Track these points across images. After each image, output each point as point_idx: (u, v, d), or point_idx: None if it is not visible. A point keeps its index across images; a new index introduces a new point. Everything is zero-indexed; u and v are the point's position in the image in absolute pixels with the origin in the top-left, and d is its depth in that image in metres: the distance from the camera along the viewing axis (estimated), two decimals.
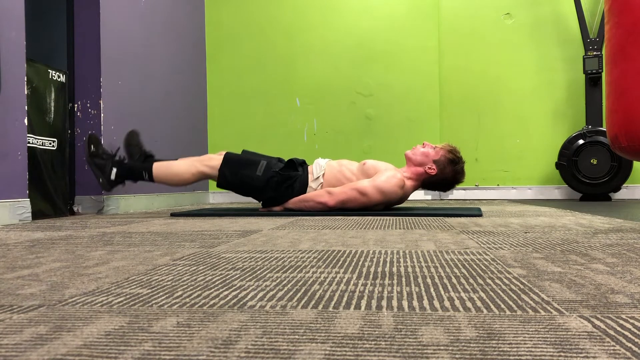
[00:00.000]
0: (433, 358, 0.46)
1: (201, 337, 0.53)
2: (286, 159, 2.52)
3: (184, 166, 2.43)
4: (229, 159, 2.42)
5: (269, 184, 2.38)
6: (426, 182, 2.41)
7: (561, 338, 0.51)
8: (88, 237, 1.53)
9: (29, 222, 2.17)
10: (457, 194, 4.06)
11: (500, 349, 0.48)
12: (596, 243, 1.22)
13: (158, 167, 2.41)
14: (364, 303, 0.67)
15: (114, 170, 2.38)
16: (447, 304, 0.66)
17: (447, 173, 2.37)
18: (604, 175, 3.52)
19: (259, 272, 0.90)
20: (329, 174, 2.42)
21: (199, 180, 2.48)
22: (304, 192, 2.39)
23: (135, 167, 2.42)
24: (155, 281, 0.83)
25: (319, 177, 2.41)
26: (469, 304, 0.65)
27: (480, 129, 4.04)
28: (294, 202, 2.38)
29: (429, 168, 2.36)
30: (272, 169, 2.40)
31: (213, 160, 2.44)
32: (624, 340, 0.50)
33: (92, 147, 2.41)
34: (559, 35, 3.95)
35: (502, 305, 0.65)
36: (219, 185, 2.45)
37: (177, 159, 2.50)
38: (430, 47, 4.05)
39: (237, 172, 2.40)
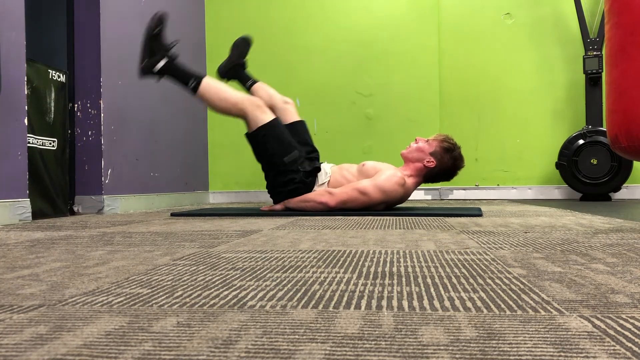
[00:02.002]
0: (433, 358, 0.46)
1: (201, 337, 0.53)
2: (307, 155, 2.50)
3: (235, 97, 2.36)
4: (273, 125, 2.36)
5: (287, 174, 2.36)
6: (428, 176, 2.40)
7: (561, 338, 0.51)
8: (88, 237, 1.53)
9: (29, 222, 2.17)
10: (457, 194, 4.06)
11: (500, 349, 0.48)
12: (596, 243, 1.22)
13: (209, 83, 2.33)
14: (364, 303, 0.67)
15: (163, 61, 2.30)
16: (447, 303, 0.66)
17: (446, 162, 2.37)
18: (604, 175, 3.51)
19: (259, 272, 0.90)
20: (332, 178, 2.43)
21: (233, 116, 2.41)
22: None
23: (187, 71, 2.35)
24: (155, 281, 0.83)
25: (324, 183, 2.41)
26: (469, 304, 0.65)
27: (480, 129, 4.04)
28: (295, 201, 2.38)
29: (428, 162, 2.36)
30: (298, 164, 2.37)
31: (262, 113, 2.35)
32: (624, 340, 0.50)
33: (157, 28, 2.30)
34: (559, 35, 3.95)
35: (502, 305, 0.65)
36: (247, 134, 2.41)
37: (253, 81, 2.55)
38: (430, 47, 4.05)
39: (270, 142, 2.35)
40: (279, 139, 2.37)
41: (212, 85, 2.34)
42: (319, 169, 2.44)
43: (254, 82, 2.71)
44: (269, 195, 2.54)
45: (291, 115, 2.58)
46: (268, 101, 2.54)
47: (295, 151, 2.38)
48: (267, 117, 2.36)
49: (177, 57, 2.34)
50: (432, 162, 2.35)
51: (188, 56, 3.91)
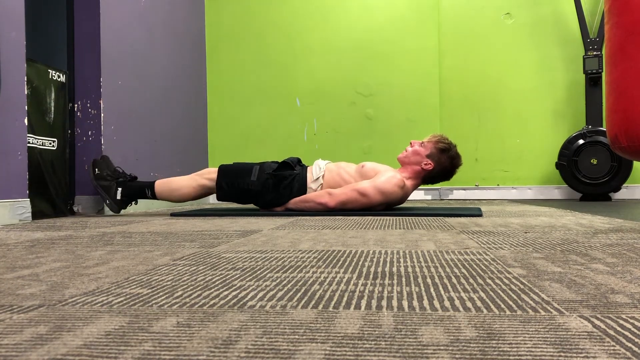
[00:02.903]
0: (433, 358, 0.46)
1: (201, 337, 0.53)
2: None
3: (185, 181, 2.48)
4: (223, 169, 2.46)
5: (265, 186, 2.38)
6: (427, 178, 2.41)
7: (561, 338, 0.51)
8: (88, 237, 1.53)
9: (29, 222, 2.17)
10: (457, 194, 4.06)
11: (500, 349, 0.48)
12: (596, 243, 1.22)
13: (160, 184, 2.47)
14: (364, 303, 0.67)
15: (119, 190, 2.45)
16: (447, 304, 0.66)
17: (443, 162, 2.37)
18: (604, 175, 3.51)
19: (259, 272, 0.90)
20: (328, 176, 2.42)
21: (200, 195, 2.52)
22: (304, 192, 2.39)
23: (138, 186, 2.49)
24: (155, 281, 0.83)
25: (318, 178, 2.41)
26: (469, 304, 0.65)
27: (480, 129, 4.04)
28: (294, 202, 2.38)
29: (425, 164, 2.36)
30: (266, 171, 2.41)
31: (212, 173, 2.47)
32: (624, 340, 0.50)
33: (96, 170, 2.47)
34: (559, 35, 3.95)
35: (502, 305, 0.65)
36: (219, 199, 2.48)
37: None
38: (430, 47, 4.05)
39: (234, 181, 2.42)
40: (234, 172, 2.44)
41: (164, 183, 2.49)
42: (285, 162, 2.46)
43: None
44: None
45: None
46: None
47: (254, 166, 2.44)
48: (214, 170, 2.48)
49: (127, 180, 2.50)
50: (430, 164, 2.36)
51: (188, 56, 3.91)
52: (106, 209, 2.73)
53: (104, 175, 2.47)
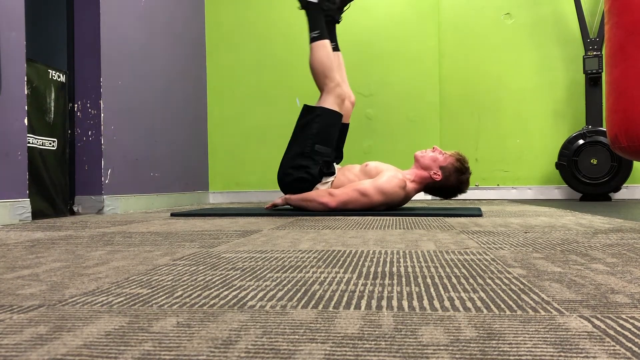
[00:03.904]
0: (433, 358, 0.46)
1: (201, 337, 0.53)
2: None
3: (332, 73, 2.50)
4: (335, 117, 2.46)
5: (304, 159, 2.39)
6: (429, 187, 2.41)
7: (561, 338, 0.51)
8: (88, 237, 1.53)
9: (29, 222, 2.17)
10: None
11: (500, 349, 0.48)
12: (596, 243, 1.22)
13: (325, 46, 2.51)
14: (364, 303, 0.67)
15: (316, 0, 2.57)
16: (447, 304, 0.66)
17: (451, 181, 2.36)
18: (604, 175, 3.51)
19: (259, 272, 0.90)
20: (335, 179, 2.44)
21: (315, 82, 2.54)
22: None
23: (321, 25, 2.56)
24: (155, 281, 0.83)
25: (328, 182, 2.42)
26: (469, 304, 0.65)
27: (480, 129, 4.04)
28: (296, 198, 2.38)
29: (434, 173, 2.35)
30: (321, 159, 2.41)
31: (337, 103, 2.47)
32: (624, 340, 0.50)
33: None
34: (559, 35, 3.95)
35: (502, 305, 0.65)
36: (306, 105, 2.52)
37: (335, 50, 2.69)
38: (430, 47, 4.05)
39: (319, 124, 2.42)
40: (328, 130, 2.45)
41: (327, 48, 2.52)
42: (333, 173, 2.45)
43: (335, 48, 2.75)
44: (276, 179, 2.55)
45: (346, 118, 2.64)
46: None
47: (329, 150, 2.45)
48: (337, 108, 2.48)
49: (331, 13, 2.58)
50: (439, 175, 2.35)
51: (188, 56, 3.92)
52: (106, 208, 2.74)
53: None
